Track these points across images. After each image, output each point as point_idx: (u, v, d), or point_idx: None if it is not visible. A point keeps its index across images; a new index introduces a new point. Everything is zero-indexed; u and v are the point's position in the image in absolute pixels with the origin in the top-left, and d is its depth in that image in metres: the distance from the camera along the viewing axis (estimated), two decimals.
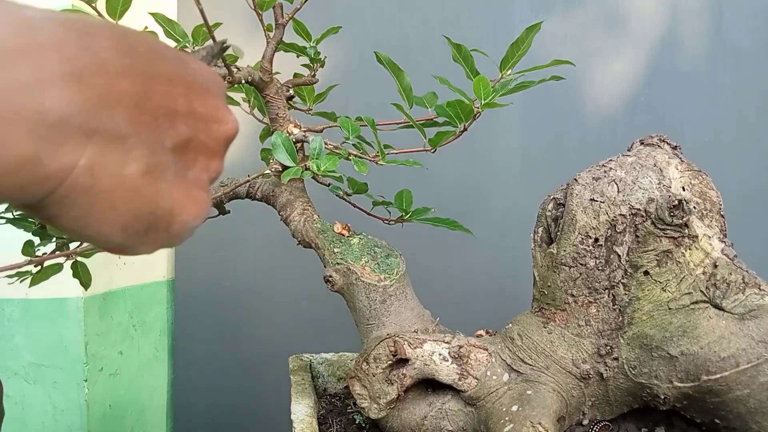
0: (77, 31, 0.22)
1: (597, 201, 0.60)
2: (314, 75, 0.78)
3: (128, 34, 0.24)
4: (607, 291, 0.61)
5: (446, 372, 0.64)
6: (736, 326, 0.57)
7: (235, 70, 0.64)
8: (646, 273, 0.59)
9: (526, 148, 1.26)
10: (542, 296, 0.64)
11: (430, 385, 0.67)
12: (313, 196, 0.76)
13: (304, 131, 0.70)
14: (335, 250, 0.69)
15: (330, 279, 0.69)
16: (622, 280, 0.60)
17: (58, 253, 0.67)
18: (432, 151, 0.69)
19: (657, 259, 0.59)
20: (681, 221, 0.58)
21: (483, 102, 0.63)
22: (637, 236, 0.59)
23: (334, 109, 0.80)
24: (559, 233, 0.62)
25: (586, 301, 0.61)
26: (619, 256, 0.60)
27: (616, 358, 0.61)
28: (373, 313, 0.68)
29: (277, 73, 0.70)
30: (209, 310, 1.30)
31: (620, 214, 0.59)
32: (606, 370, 0.61)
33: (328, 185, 0.81)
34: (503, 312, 0.71)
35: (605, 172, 0.61)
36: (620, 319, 0.61)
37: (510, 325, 0.67)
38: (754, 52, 1.23)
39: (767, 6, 1.23)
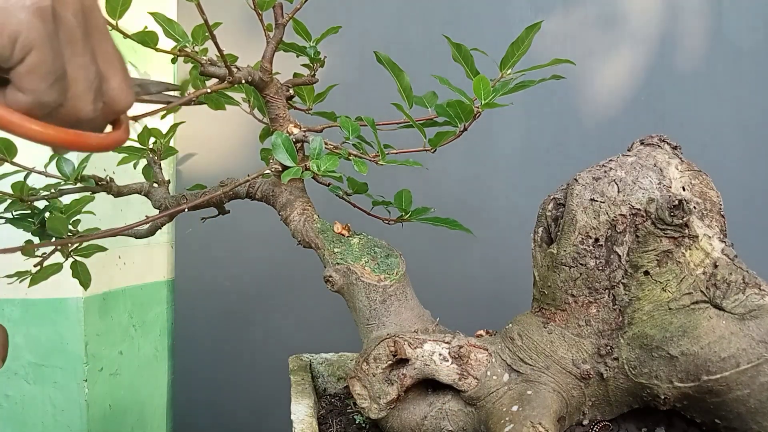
0: None
1: (597, 201, 0.60)
2: (314, 75, 0.78)
3: None
4: (607, 291, 0.61)
5: (446, 372, 0.64)
6: (736, 326, 0.57)
7: (235, 70, 0.64)
8: (647, 273, 0.59)
9: (526, 148, 1.26)
10: (542, 296, 0.64)
11: (430, 385, 0.67)
12: (312, 196, 0.76)
13: (304, 131, 0.70)
14: (335, 250, 0.69)
15: (330, 279, 0.69)
16: (622, 280, 0.60)
17: (52, 242, 0.67)
18: (432, 151, 0.69)
19: (657, 259, 0.59)
20: (681, 221, 0.57)
21: (483, 102, 0.63)
22: (637, 236, 0.59)
23: (333, 108, 0.80)
24: (559, 233, 0.62)
25: (587, 301, 0.61)
26: (619, 256, 0.60)
27: (616, 358, 0.61)
28: (373, 313, 0.68)
29: (276, 73, 0.70)
30: (209, 310, 1.30)
31: (620, 214, 0.59)
32: (606, 370, 0.61)
33: (328, 185, 0.81)
34: (503, 312, 0.71)
35: (605, 172, 0.61)
36: (620, 319, 0.61)
37: (510, 325, 0.67)
38: (754, 52, 1.23)
39: (767, 6, 1.23)
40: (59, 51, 0.33)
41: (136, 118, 0.59)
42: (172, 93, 0.53)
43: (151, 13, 0.67)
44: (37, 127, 0.34)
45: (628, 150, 0.67)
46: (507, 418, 0.59)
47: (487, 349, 0.65)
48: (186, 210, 0.69)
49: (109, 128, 0.41)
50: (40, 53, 0.32)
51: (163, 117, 0.78)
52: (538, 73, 0.66)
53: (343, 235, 0.71)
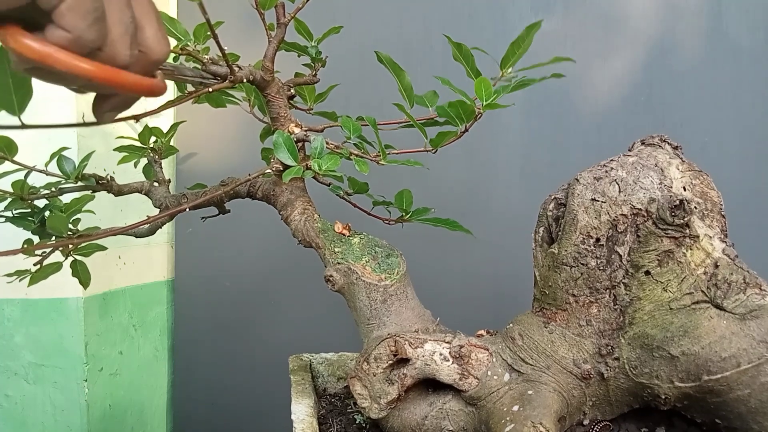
0: None
1: (598, 201, 0.60)
2: (315, 74, 0.78)
3: None
4: (608, 291, 0.61)
5: (447, 372, 0.64)
6: (737, 326, 0.57)
7: (236, 69, 0.64)
8: (648, 273, 0.59)
9: (527, 148, 1.26)
10: (543, 296, 0.64)
11: (430, 384, 0.67)
12: (313, 195, 0.76)
13: (305, 131, 0.70)
14: (336, 249, 0.69)
15: (330, 279, 0.69)
16: (623, 280, 0.60)
17: (51, 242, 0.67)
18: (433, 151, 0.69)
19: (658, 259, 0.59)
20: (682, 221, 0.58)
21: (485, 103, 0.63)
22: (638, 236, 0.59)
23: (335, 108, 0.80)
24: (560, 233, 0.62)
25: (587, 301, 0.61)
26: (620, 255, 0.60)
27: (617, 358, 0.61)
28: (373, 313, 0.68)
29: (278, 72, 0.70)
30: (209, 310, 1.30)
31: (621, 214, 0.59)
32: (607, 370, 0.61)
33: (329, 185, 0.81)
34: (504, 312, 0.71)
35: (606, 171, 0.61)
36: (621, 319, 0.61)
37: (511, 325, 0.67)
38: (753, 52, 1.23)
39: (767, 6, 1.23)
40: None
41: (137, 117, 0.58)
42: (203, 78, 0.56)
43: None
44: (76, 60, 0.35)
45: (629, 150, 0.67)
46: (508, 418, 0.59)
47: (487, 349, 0.65)
48: (187, 209, 0.69)
49: None
50: None
51: (169, 105, 0.78)
52: (538, 72, 0.66)
53: (343, 234, 0.71)
